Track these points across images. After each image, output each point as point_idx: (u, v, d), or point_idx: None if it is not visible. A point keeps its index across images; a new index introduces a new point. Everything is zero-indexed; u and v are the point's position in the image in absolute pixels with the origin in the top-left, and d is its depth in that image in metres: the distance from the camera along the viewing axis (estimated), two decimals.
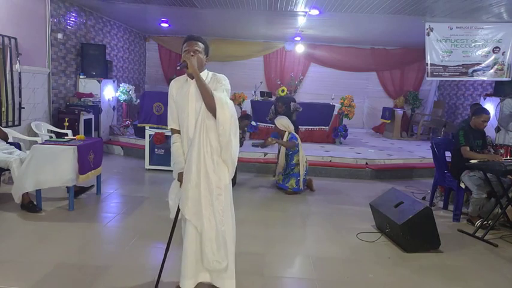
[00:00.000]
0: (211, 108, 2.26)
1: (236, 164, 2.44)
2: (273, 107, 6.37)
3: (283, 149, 5.36)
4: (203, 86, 2.26)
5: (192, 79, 2.35)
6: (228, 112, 2.26)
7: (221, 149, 2.33)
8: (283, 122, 5.39)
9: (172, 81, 2.53)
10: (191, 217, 2.38)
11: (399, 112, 9.99)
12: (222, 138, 2.29)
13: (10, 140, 4.71)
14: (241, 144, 5.26)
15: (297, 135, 5.42)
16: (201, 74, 2.35)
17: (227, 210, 2.43)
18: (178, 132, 2.49)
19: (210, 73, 2.46)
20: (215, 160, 2.35)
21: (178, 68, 2.33)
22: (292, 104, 6.29)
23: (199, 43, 2.38)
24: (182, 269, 2.45)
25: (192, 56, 2.31)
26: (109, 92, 7.92)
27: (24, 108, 5.87)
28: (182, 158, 2.45)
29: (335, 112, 8.47)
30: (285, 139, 5.29)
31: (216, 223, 2.37)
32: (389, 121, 10.07)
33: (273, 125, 5.65)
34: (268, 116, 6.42)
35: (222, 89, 2.34)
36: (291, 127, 5.38)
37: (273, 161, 6.27)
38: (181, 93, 2.41)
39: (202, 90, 2.27)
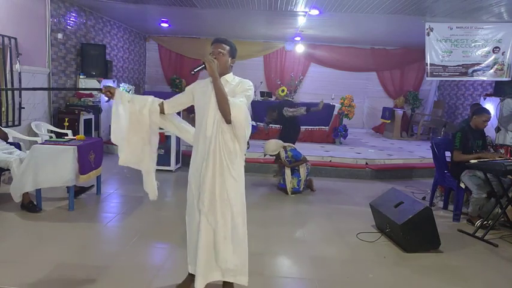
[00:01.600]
0: (224, 111, 2.28)
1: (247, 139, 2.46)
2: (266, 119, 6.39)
3: (288, 171, 5.27)
4: (219, 88, 2.28)
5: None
6: (242, 113, 2.29)
7: (236, 136, 2.37)
8: (271, 147, 5.33)
9: (198, 81, 2.56)
10: (207, 213, 2.39)
11: (399, 112, 9.99)
12: (238, 132, 2.33)
13: (10, 140, 4.71)
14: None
15: (296, 148, 5.40)
16: (227, 76, 2.41)
17: (242, 204, 2.47)
18: (162, 110, 2.57)
19: (237, 78, 2.47)
20: (228, 160, 2.37)
21: (192, 73, 2.35)
22: (284, 109, 6.06)
23: (224, 45, 2.42)
24: (197, 268, 2.42)
25: (215, 58, 2.34)
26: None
27: (24, 108, 5.87)
28: (144, 98, 2.57)
29: (335, 112, 8.47)
30: (282, 155, 5.26)
31: (231, 220, 2.39)
32: (389, 121, 10.07)
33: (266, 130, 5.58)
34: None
35: (242, 94, 2.35)
36: (280, 144, 5.35)
37: (272, 161, 6.27)
38: (204, 93, 2.42)
39: (217, 93, 2.28)
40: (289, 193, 5.25)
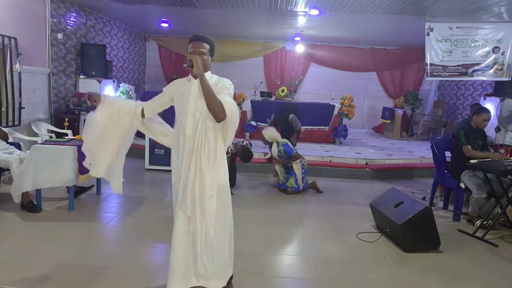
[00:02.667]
0: (212, 108, 2.25)
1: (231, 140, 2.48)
2: (269, 121, 6.40)
3: (279, 167, 5.36)
4: (206, 86, 2.26)
5: (195, 79, 2.34)
6: (235, 110, 2.31)
7: (226, 135, 2.38)
8: (270, 134, 5.38)
9: (175, 81, 2.54)
10: (190, 216, 2.37)
11: (399, 112, 9.99)
12: (230, 129, 2.34)
13: (10, 140, 4.71)
14: (250, 157, 5.24)
15: (288, 144, 5.40)
16: (206, 74, 2.36)
17: (222, 211, 2.41)
18: (142, 113, 2.56)
19: (215, 76, 2.45)
20: (211, 160, 2.35)
21: (185, 66, 2.32)
22: (290, 116, 6.38)
23: (205, 44, 2.38)
24: (171, 271, 2.39)
25: (198, 57, 2.31)
26: (109, 92, 7.91)
27: (24, 108, 5.87)
28: (127, 104, 2.54)
29: (335, 112, 8.47)
30: (274, 149, 5.29)
31: (205, 226, 2.34)
32: (389, 121, 10.07)
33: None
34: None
35: (225, 92, 2.33)
36: (278, 136, 5.39)
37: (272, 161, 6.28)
38: (182, 91, 2.41)
39: (205, 90, 2.25)
40: (279, 180, 5.32)
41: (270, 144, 5.39)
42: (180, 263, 2.39)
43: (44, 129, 6.11)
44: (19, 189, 3.92)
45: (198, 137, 2.32)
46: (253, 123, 8.30)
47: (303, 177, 5.34)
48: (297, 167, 5.29)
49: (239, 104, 8.47)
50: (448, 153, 4.86)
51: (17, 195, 3.94)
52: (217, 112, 2.24)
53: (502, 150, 5.37)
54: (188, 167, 2.34)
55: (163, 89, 2.55)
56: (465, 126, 4.61)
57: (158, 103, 2.55)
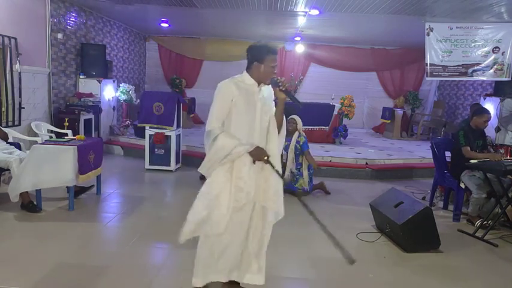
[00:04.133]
0: (278, 127, 2.49)
1: None
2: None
3: (291, 149, 5.28)
4: (282, 108, 2.47)
5: (259, 86, 2.46)
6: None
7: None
8: (300, 123, 5.30)
9: (230, 83, 2.43)
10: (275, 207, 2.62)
11: (399, 112, 9.99)
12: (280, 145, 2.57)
13: (10, 140, 4.71)
14: None
15: (306, 138, 5.32)
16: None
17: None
18: None
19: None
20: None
21: (283, 90, 2.41)
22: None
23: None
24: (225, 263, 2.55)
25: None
26: (109, 92, 7.92)
27: (24, 108, 5.86)
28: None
29: (335, 112, 8.47)
30: (294, 139, 5.19)
31: (263, 224, 2.66)
32: (389, 121, 10.06)
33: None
34: None
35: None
36: (301, 128, 5.34)
37: None
38: (247, 96, 2.40)
39: (281, 112, 2.48)
40: (286, 181, 5.21)
41: (292, 132, 5.22)
42: (233, 256, 2.58)
43: (44, 129, 6.11)
44: (17, 189, 3.90)
45: (264, 145, 2.44)
46: None
47: (311, 178, 5.29)
48: (305, 167, 5.21)
49: None
50: (448, 153, 4.86)
51: (14, 195, 3.91)
52: (279, 129, 2.49)
53: (502, 150, 5.37)
54: (258, 172, 2.46)
55: (224, 94, 2.38)
56: (465, 126, 4.61)
57: (225, 114, 2.39)
